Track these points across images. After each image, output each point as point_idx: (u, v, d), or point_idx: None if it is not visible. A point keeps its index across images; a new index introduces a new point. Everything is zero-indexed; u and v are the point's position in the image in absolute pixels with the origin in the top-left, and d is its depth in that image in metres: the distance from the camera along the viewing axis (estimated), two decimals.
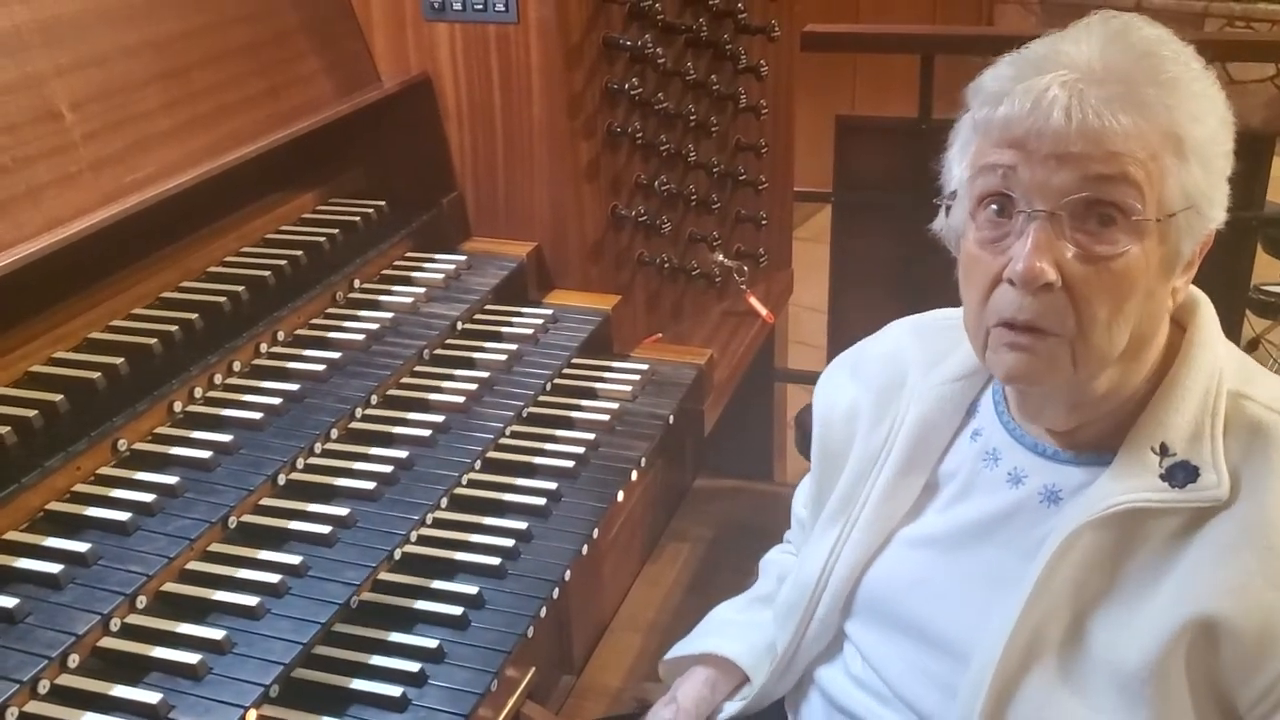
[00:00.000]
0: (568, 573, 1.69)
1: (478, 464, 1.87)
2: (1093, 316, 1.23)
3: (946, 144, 1.37)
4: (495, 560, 1.66)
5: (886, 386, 1.54)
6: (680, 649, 1.77)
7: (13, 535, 1.51)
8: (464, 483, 1.83)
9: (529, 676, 1.58)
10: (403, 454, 1.81)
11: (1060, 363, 1.26)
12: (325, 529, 1.62)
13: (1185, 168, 1.21)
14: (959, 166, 1.32)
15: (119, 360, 1.73)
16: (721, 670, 1.71)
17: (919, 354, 1.53)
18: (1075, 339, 1.24)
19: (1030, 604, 1.31)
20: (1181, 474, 1.27)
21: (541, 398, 2.10)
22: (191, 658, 1.39)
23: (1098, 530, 1.30)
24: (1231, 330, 3.36)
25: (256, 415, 1.78)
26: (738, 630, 1.73)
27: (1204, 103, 1.24)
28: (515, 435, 1.99)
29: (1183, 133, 1.21)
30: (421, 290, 2.20)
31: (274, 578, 1.52)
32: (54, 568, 1.44)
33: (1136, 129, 1.19)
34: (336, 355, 1.96)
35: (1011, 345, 1.27)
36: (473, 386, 2.01)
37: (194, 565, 1.55)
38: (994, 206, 1.26)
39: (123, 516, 1.54)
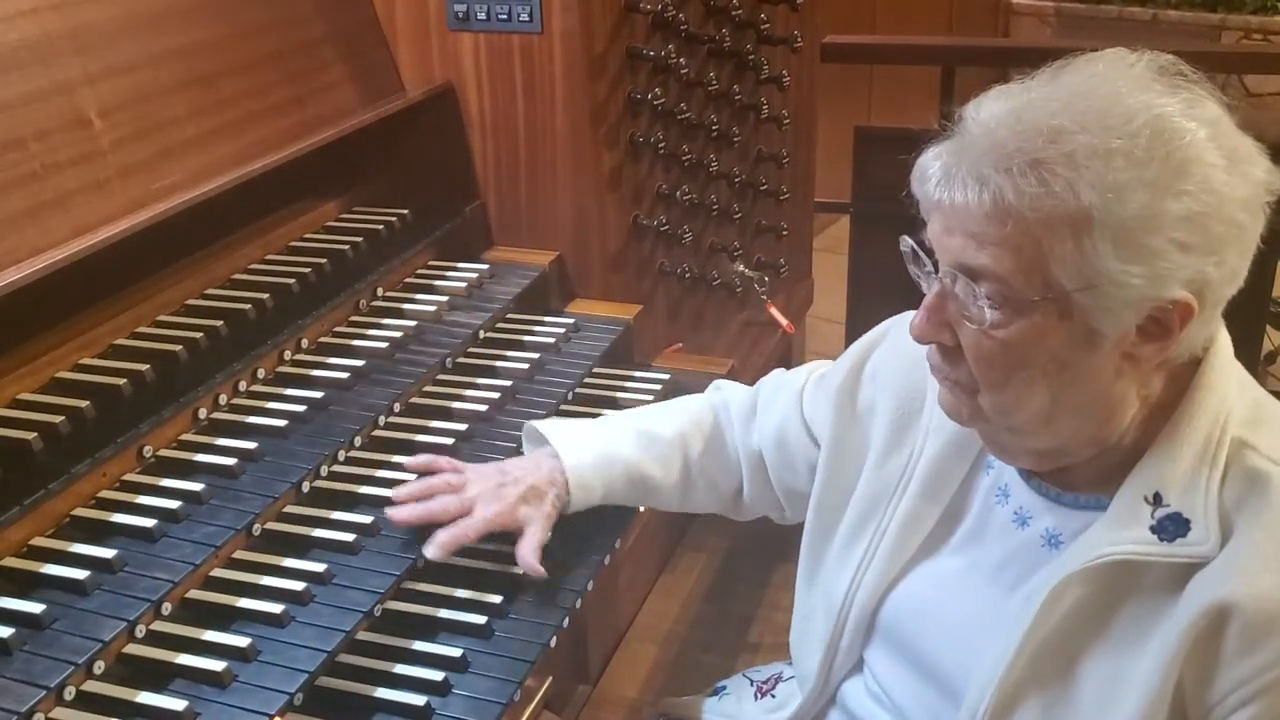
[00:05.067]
0: (590, 582, 1.69)
1: None
2: (984, 377, 1.24)
3: None
4: (519, 569, 1.66)
5: (907, 402, 1.52)
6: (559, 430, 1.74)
7: (40, 541, 1.52)
8: None
9: (546, 686, 1.57)
10: None
11: (977, 410, 1.28)
12: (349, 537, 1.62)
13: (1084, 247, 1.13)
14: None
15: (145, 367, 1.74)
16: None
17: None
18: (980, 395, 1.26)
19: (1019, 651, 1.29)
20: (1172, 527, 1.23)
21: (564, 407, 2.09)
22: (217, 665, 1.39)
23: (1088, 580, 1.27)
24: (1251, 344, 3.35)
25: (281, 423, 1.78)
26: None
27: (1125, 176, 1.13)
28: None
29: (1079, 211, 1.13)
30: (444, 299, 2.21)
31: (299, 585, 1.52)
32: (80, 574, 1.45)
33: (996, 214, 1.15)
34: (360, 363, 1.96)
35: (940, 383, 1.32)
36: (495, 395, 2.01)
37: (219, 572, 1.55)
38: (923, 254, 1.27)
39: (148, 523, 1.55)
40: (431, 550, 1.58)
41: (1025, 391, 1.23)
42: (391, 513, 1.59)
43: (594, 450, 1.71)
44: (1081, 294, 1.16)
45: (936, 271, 1.25)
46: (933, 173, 1.21)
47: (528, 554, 1.60)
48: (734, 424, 1.79)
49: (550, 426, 1.75)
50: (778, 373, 1.84)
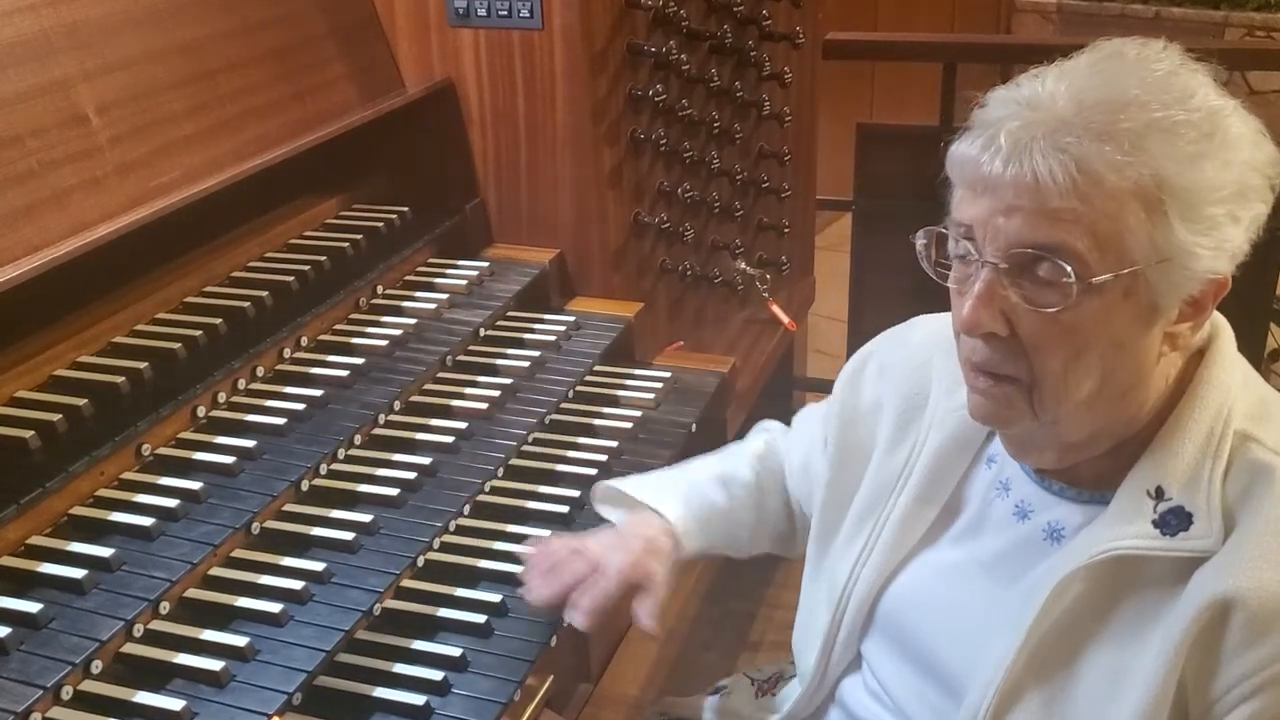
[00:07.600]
0: None
1: (500, 471, 1.87)
2: (1044, 366, 1.20)
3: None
4: (519, 568, 1.65)
5: (911, 400, 1.51)
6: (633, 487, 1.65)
7: (37, 540, 1.51)
8: (487, 490, 1.82)
9: (547, 685, 1.57)
10: (426, 460, 1.80)
11: (1019, 407, 1.24)
12: (348, 535, 1.62)
13: (1157, 220, 1.13)
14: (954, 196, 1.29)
15: (143, 365, 1.74)
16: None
17: (943, 373, 1.48)
18: (1032, 385, 1.22)
19: (1022, 648, 1.28)
20: (1175, 521, 1.22)
21: (564, 405, 2.09)
22: (215, 664, 1.38)
23: (1090, 575, 1.26)
24: (1255, 343, 3.33)
25: (280, 421, 1.78)
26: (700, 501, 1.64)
27: (1195, 148, 1.14)
28: (538, 442, 1.98)
29: (1155, 183, 1.13)
30: (444, 296, 2.20)
31: (297, 584, 1.52)
32: (78, 573, 1.44)
33: (1079, 187, 1.13)
34: (359, 361, 1.96)
35: (973, 386, 1.28)
36: (495, 393, 2.00)
37: (217, 571, 1.54)
38: (962, 247, 1.23)
39: (146, 522, 1.54)
40: (580, 619, 1.46)
41: (1083, 375, 1.21)
42: (526, 593, 1.48)
43: (689, 501, 1.64)
44: (1153, 269, 1.15)
45: (980, 259, 1.20)
46: (995, 149, 1.16)
47: (645, 615, 1.49)
48: (785, 465, 1.77)
49: (634, 486, 1.65)
50: (811, 405, 1.81)
